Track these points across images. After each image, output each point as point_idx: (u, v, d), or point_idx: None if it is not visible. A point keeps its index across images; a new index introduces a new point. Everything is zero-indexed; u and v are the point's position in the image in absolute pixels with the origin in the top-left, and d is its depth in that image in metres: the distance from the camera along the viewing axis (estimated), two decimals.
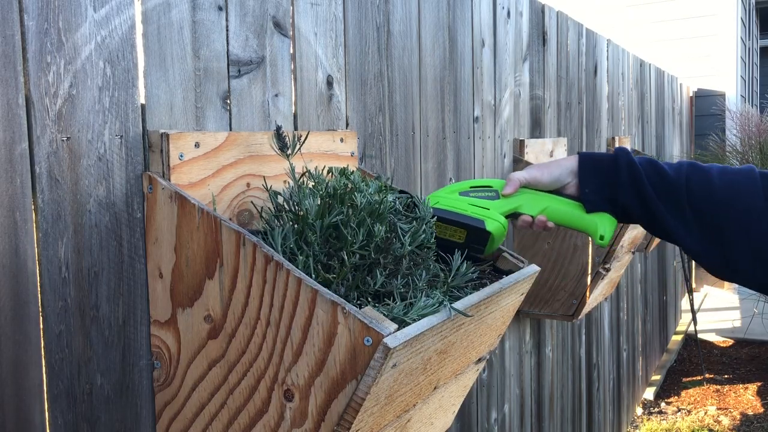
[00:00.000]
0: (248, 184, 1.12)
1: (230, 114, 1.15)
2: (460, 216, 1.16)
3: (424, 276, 1.02)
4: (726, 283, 6.87)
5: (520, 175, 1.22)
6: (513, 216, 1.23)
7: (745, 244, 1.05)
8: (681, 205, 1.11)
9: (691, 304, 5.37)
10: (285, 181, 1.19)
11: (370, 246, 0.97)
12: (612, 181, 1.16)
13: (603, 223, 1.18)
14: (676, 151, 5.70)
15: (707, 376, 5.09)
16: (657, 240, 3.78)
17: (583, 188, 1.19)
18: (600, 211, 1.18)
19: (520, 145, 2.30)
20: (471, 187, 1.21)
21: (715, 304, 6.58)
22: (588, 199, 1.18)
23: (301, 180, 1.05)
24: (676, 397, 4.82)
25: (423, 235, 1.07)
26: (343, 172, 1.04)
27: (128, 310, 1.00)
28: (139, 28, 0.99)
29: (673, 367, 5.37)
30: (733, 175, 1.10)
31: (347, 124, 1.45)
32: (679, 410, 4.59)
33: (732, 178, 1.09)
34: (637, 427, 4.36)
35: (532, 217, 1.21)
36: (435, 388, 1.07)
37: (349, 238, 0.95)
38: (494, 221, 1.17)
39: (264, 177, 1.15)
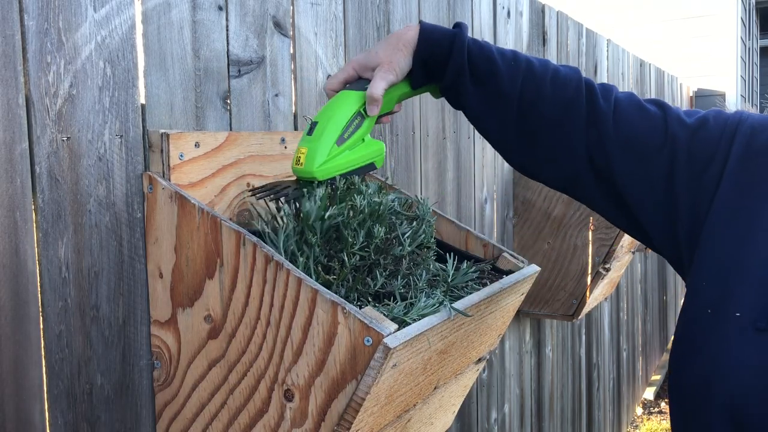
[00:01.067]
0: (248, 184, 1.12)
1: (230, 114, 1.15)
2: (354, 171, 1.10)
3: (424, 276, 1.02)
4: None
5: (377, 87, 1.05)
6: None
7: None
8: (507, 117, 1.04)
9: None
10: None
11: (370, 247, 0.97)
12: (441, 68, 1.06)
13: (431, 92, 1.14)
14: None
15: None
16: None
17: (416, 70, 1.07)
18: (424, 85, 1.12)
19: None
20: (343, 129, 1.07)
21: None
22: (415, 77, 1.08)
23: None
24: None
25: (423, 236, 1.07)
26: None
27: (128, 310, 1.00)
28: (139, 28, 0.99)
29: None
30: (563, 83, 1.04)
31: None
32: None
33: (562, 90, 1.03)
34: (637, 426, 4.36)
35: (391, 113, 1.15)
36: (435, 388, 1.07)
37: (350, 240, 0.95)
38: (377, 154, 1.11)
39: (264, 177, 1.15)
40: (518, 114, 1.03)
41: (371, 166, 1.10)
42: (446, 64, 1.04)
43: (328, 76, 1.38)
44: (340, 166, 1.05)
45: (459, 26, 1.06)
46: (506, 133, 1.05)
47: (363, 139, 1.08)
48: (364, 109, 1.07)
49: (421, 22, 1.07)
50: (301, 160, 1.04)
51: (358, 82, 1.08)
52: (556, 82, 1.03)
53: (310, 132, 1.05)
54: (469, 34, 1.12)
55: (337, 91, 1.09)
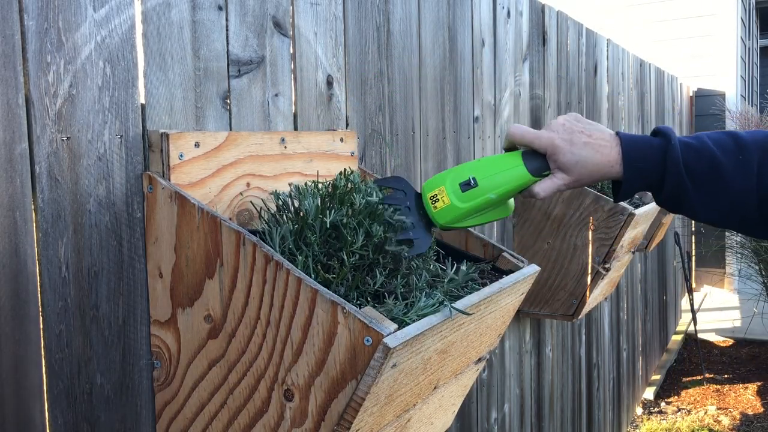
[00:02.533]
0: (248, 184, 1.12)
1: (230, 114, 1.15)
2: (475, 226, 1.12)
3: (424, 276, 1.02)
4: (726, 283, 6.87)
5: (546, 193, 1.07)
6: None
7: None
8: (747, 212, 1.01)
9: (691, 304, 5.37)
10: (284, 181, 1.19)
11: (370, 246, 0.97)
12: (657, 189, 1.05)
13: None
14: None
15: (707, 375, 5.09)
16: (657, 239, 3.78)
17: (624, 196, 1.08)
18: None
19: None
20: (492, 204, 1.09)
21: (715, 304, 6.58)
22: (623, 195, 1.09)
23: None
24: (676, 396, 4.82)
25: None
26: (342, 172, 1.04)
27: (128, 310, 1.00)
28: (139, 28, 0.99)
29: (673, 366, 5.37)
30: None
31: (347, 124, 1.45)
32: (679, 410, 4.59)
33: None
34: (637, 426, 4.36)
35: None
36: (435, 387, 1.07)
37: (349, 239, 0.95)
38: (498, 216, 1.12)
39: (264, 177, 1.15)
40: (760, 208, 1.00)
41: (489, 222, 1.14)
42: (661, 187, 1.03)
43: (329, 76, 1.38)
44: (465, 226, 1.09)
45: (663, 135, 1.03)
46: (749, 227, 1.04)
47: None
48: (522, 189, 1.08)
49: (622, 149, 1.03)
50: (438, 205, 1.07)
51: (538, 160, 1.07)
52: None
53: (465, 187, 1.06)
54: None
55: (516, 145, 1.10)
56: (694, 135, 1.04)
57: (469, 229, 1.29)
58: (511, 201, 1.12)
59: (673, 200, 1.04)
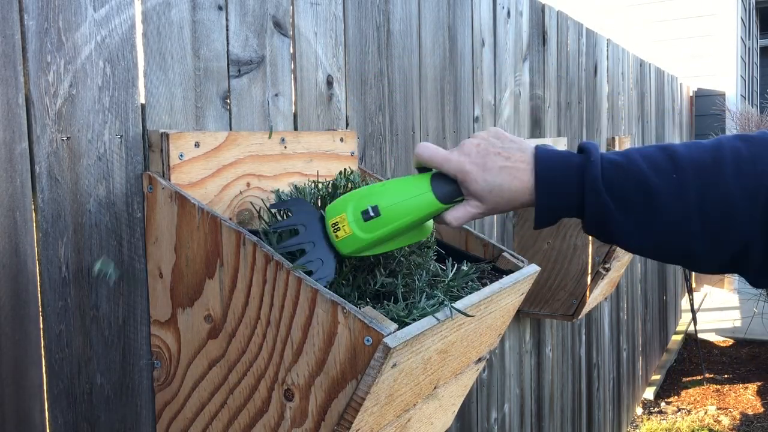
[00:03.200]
0: (248, 184, 1.12)
1: (230, 114, 1.15)
2: (385, 253, 1.00)
3: (424, 276, 1.02)
4: (726, 283, 6.87)
5: (459, 222, 0.94)
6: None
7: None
8: (690, 240, 0.84)
9: (691, 304, 5.37)
10: (284, 181, 1.19)
11: None
12: (576, 212, 0.90)
13: None
14: None
15: (707, 375, 5.09)
16: None
17: (541, 223, 0.93)
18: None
19: None
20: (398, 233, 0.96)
21: (715, 304, 6.58)
22: (539, 220, 0.93)
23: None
24: (676, 396, 4.82)
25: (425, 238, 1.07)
26: (342, 172, 1.04)
27: (128, 310, 1.00)
28: (139, 28, 0.99)
29: (673, 366, 5.37)
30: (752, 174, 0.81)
31: (347, 124, 1.45)
32: (679, 410, 4.59)
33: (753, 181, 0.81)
34: (637, 426, 4.36)
35: None
36: (435, 387, 1.07)
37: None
38: (415, 242, 1.00)
39: (264, 177, 1.15)
40: (702, 230, 0.83)
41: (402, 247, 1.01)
42: (582, 212, 0.89)
43: (329, 76, 1.38)
44: (372, 254, 0.97)
45: (585, 151, 0.89)
46: (695, 262, 0.87)
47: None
48: (432, 216, 0.96)
49: (536, 160, 0.89)
50: (339, 234, 0.95)
51: (448, 185, 0.94)
52: (742, 176, 0.81)
53: (366, 216, 0.94)
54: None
55: (422, 166, 0.98)
56: (623, 151, 0.89)
57: (469, 229, 1.29)
58: (429, 222, 1.00)
59: (598, 226, 0.89)
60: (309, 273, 0.91)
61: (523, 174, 0.90)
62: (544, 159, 0.90)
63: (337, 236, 0.95)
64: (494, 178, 0.90)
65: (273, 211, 1.02)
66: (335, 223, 0.95)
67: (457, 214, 0.93)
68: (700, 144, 0.86)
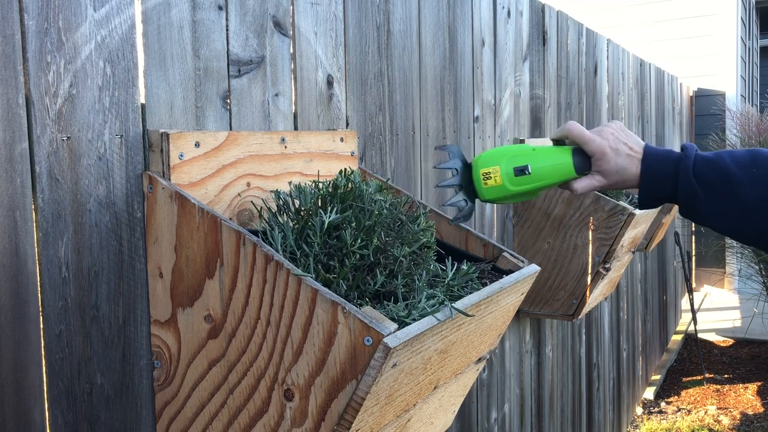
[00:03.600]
0: (248, 184, 1.12)
1: (230, 114, 1.15)
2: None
3: (424, 276, 1.02)
4: (726, 283, 6.88)
5: (583, 190, 1.19)
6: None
7: None
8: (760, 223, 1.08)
9: (691, 304, 5.37)
10: (289, 182, 1.19)
11: (370, 246, 0.97)
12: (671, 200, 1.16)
13: None
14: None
15: (707, 375, 5.09)
16: (657, 239, 3.78)
17: (643, 205, 1.20)
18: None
19: None
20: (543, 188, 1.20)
21: (715, 304, 6.58)
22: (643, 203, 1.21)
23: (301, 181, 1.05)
24: (676, 396, 4.82)
25: (423, 238, 1.07)
26: (343, 172, 1.04)
27: (128, 310, 1.00)
28: (139, 28, 0.99)
29: (673, 366, 5.37)
30: None
31: (347, 124, 1.45)
32: (679, 410, 4.59)
33: None
34: (637, 426, 4.36)
35: None
36: (435, 387, 1.07)
37: (349, 239, 0.95)
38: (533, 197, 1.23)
39: (264, 177, 1.15)
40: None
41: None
42: (676, 195, 1.13)
43: (329, 75, 1.38)
44: (503, 201, 1.19)
45: (684, 149, 1.13)
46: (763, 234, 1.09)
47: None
48: (563, 183, 1.19)
49: (644, 153, 1.15)
50: (489, 183, 1.17)
51: (584, 160, 1.17)
52: None
53: (518, 172, 1.16)
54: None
55: (567, 140, 1.20)
56: (716, 152, 1.13)
57: (469, 229, 1.29)
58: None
59: (688, 208, 1.13)
60: (458, 211, 1.15)
61: (638, 162, 1.15)
62: (650, 153, 1.15)
63: (486, 184, 1.16)
64: (622, 162, 1.15)
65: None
66: (487, 173, 1.16)
67: (583, 183, 1.19)
68: None
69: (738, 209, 1.07)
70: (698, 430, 4.26)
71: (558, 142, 1.23)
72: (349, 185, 1.05)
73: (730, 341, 5.77)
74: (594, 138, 1.17)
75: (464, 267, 1.07)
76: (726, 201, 1.08)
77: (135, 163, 0.99)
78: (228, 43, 1.14)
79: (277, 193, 1.08)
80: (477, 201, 1.22)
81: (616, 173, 1.16)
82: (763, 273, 5.38)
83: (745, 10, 7.59)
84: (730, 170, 1.08)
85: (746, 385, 4.93)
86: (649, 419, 4.44)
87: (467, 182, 1.19)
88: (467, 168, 1.19)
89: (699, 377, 5.09)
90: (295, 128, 1.30)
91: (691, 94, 6.77)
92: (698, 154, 1.12)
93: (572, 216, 2.19)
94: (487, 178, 1.16)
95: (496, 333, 1.21)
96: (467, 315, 0.98)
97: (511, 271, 1.20)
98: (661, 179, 1.14)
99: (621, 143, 1.16)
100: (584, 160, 1.17)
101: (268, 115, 1.23)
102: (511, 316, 1.24)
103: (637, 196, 1.19)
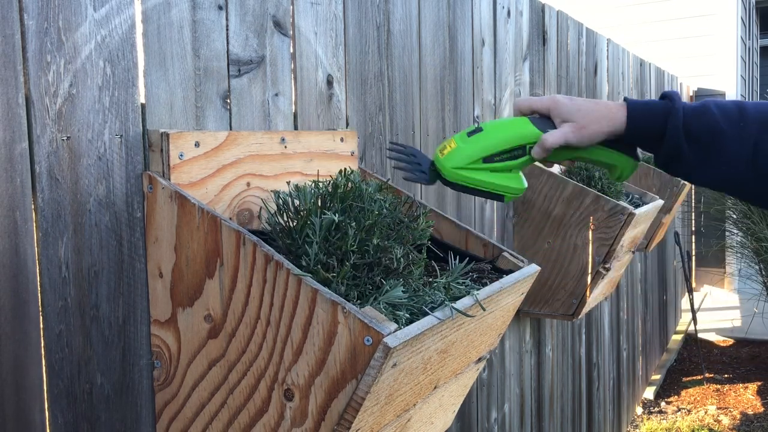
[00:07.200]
0: (248, 184, 1.12)
1: (230, 113, 1.15)
2: (479, 192, 1.12)
3: (424, 275, 1.02)
4: (726, 283, 6.88)
5: (554, 140, 1.08)
6: None
7: None
8: (744, 180, 1.05)
9: (691, 304, 5.37)
10: (287, 181, 1.19)
11: (370, 245, 0.97)
12: (655, 149, 1.10)
13: (623, 165, 1.13)
14: None
15: (707, 375, 5.09)
16: (657, 239, 3.78)
17: (626, 150, 1.13)
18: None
19: None
20: (499, 151, 1.09)
21: (715, 303, 6.58)
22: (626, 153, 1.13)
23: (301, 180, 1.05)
24: (676, 396, 4.83)
25: (423, 238, 1.07)
26: (342, 171, 1.04)
27: (128, 310, 1.00)
28: (139, 28, 0.99)
29: (673, 366, 5.37)
30: None
31: (347, 124, 1.45)
32: (679, 410, 4.59)
33: None
34: (637, 426, 4.36)
35: (559, 163, 1.20)
36: (435, 387, 1.07)
37: (349, 238, 0.95)
38: (512, 191, 1.12)
39: (264, 177, 1.15)
40: (755, 176, 1.04)
41: (498, 197, 1.12)
42: (660, 147, 1.07)
43: (329, 75, 1.38)
44: (470, 180, 1.08)
45: (669, 98, 1.07)
46: (744, 192, 1.07)
47: (510, 170, 1.10)
48: (530, 148, 1.09)
49: (627, 104, 1.08)
50: (445, 152, 1.09)
51: (545, 121, 1.10)
52: None
53: (470, 133, 1.08)
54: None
55: (522, 114, 1.12)
56: (700, 101, 1.08)
57: (469, 228, 1.29)
58: (524, 180, 1.12)
59: (668, 159, 1.07)
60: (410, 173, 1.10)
61: (610, 107, 1.08)
62: (634, 102, 1.09)
63: (442, 154, 1.09)
64: (580, 103, 1.08)
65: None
66: (442, 148, 1.10)
67: (554, 135, 1.08)
68: (766, 103, 1.07)
69: (723, 164, 1.04)
70: (698, 429, 4.26)
71: None
72: (349, 185, 1.05)
73: (730, 341, 5.77)
74: (542, 97, 1.12)
75: (458, 264, 1.07)
76: (711, 155, 1.05)
77: (135, 163, 0.99)
78: (228, 43, 1.14)
79: (276, 193, 1.08)
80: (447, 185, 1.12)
81: (579, 112, 1.08)
82: (763, 273, 5.38)
83: (745, 9, 7.59)
84: (719, 125, 1.04)
85: (746, 384, 4.93)
86: (649, 419, 4.44)
87: (432, 170, 1.12)
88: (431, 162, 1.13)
89: (699, 377, 5.09)
90: (295, 128, 1.30)
91: (691, 93, 6.77)
92: (686, 106, 1.07)
93: (572, 216, 2.19)
94: (443, 150, 1.09)
95: (496, 333, 1.21)
96: (467, 315, 0.98)
97: (511, 271, 1.20)
98: (648, 128, 1.07)
99: (575, 97, 1.11)
100: (545, 122, 1.09)
101: (268, 114, 1.23)
102: (511, 315, 1.24)
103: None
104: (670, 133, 1.05)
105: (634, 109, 1.07)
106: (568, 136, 1.07)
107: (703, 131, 1.05)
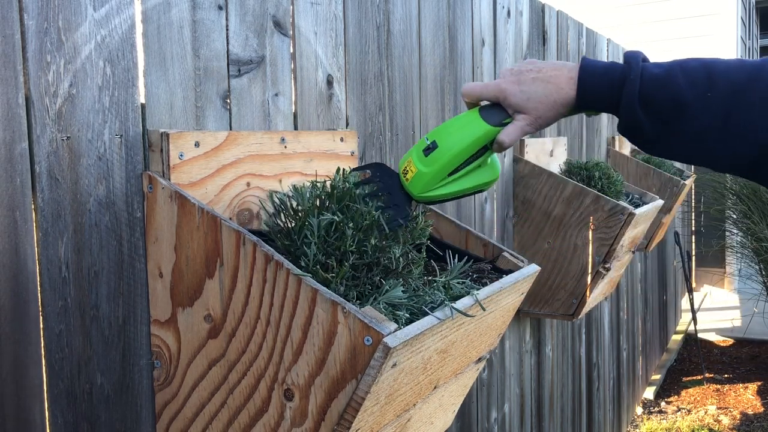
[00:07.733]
0: (248, 184, 1.12)
1: (230, 113, 1.15)
2: (457, 197, 1.10)
3: (424, 275, 1.02)
4: (726, 283, 6.87)
5: (512, 140, 1.03)
6: None
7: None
8: (712, 150, 0.94)
9: (691, 304, 5.37)
10: (283, 181, 1.19)
11: (369, 245, 0.97)
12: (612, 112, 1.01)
13: None
14: None
15: (707, 375, 5.09)
16: (657, 239, 3.78)
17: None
18: None
19: (520, 145, 2.30)
20: (461, 163, 1.05)
21: (715, 303, 6.58)
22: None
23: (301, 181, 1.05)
24: (676, 396, 4.83)
25: (422, 238, 1.07)
26: (340, 171, 1.04)
27: (128, 310, 1.00)
28: (139, 28, 0.99)
29: (673, 366, 5.37)
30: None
31: (347, 124, 1.45)
32: (679, 410, 4.59)
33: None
34: (637, 426, 4.36)
35: None
36: (435, 387, 1.07)
37: (347, 239, 0.95)
38: (487, 180, 1.09)
39: (264, 177, 1.15)
40: (724, 146, 0.93)
41: (478, 192, 1.10)
42: (618, 117, 0.99)
43: (329, 75, 1.38)
44: (443, 195, 1.06)
45: (628, 63, 0.98)
46: (719, 167, 0.98)
47: (480, 166, 1.07)
48: (491, 142, 1.05)
49: (579, 74, 0.99)
50: (408, 176, 1.06)
51: (495, 111, 1.04)
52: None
53: (426, 151, 1.04)
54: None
55: (471, 104, 1.07)
56: (668, 62, 0.98)
57: (469, 228, 1.29)
58: (497, 164, 1.09)
59: (630, 132, 0.99)
60: (389, 221, 1.01)
61: (559, 79, 1.00)
62: (587, 67, 1.00)
63: (407, 179, 1.06)
64: (528, 88, 1.00)
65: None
66: (404, 169, 1.06)
67: (507, 131, 1.03)
68: (743, 64, 0.93)
69: (689, 139, 0.94)
70: (698, 429, 4.26)
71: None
72: (347, 185, 1.05)
73: (730, 341, 5.77)
74: (487, 84, 1.04)
75: (457, 263, 1.07)
76: (674, 129, 0.94)
77: (135, 162, 0.99)
78: (228, 43, 1.14)
79: (272, 194, 1.08)
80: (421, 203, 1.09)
81: (530, 101, 1.00)
82: (763, 273, 5.38)
83: (745, 10, 7.60)
84: (682, 94, 0.93)
85: (746, 384, 4.93)
86: (649, 419, 4.44)
87: (403, 191, 1.08)
88: (398, 177, 1.09)
89: (699, 377, 5.09)
90: (295, 128, 1.30)
91: None
92: (645, 72, 0.96)
93: (572, 216, 2.19)
94: (406, 173, 1.06)
95: (496, 333, 1.21)
96: (467, 315, 0.98)
97: (511, 271, 1.20)
98: (601, 100, 0.98)
99: (523, 73, 1.01)
100: (496, 110, 1.04)
101: (268, 114, 1.23)
102: (511, 315, 1.24)
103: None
104: (625, 105, 0.96)
105: (584, 80, 0.99)
106: (526, 130, 1.03)
107: (664, 102, 0.94)
